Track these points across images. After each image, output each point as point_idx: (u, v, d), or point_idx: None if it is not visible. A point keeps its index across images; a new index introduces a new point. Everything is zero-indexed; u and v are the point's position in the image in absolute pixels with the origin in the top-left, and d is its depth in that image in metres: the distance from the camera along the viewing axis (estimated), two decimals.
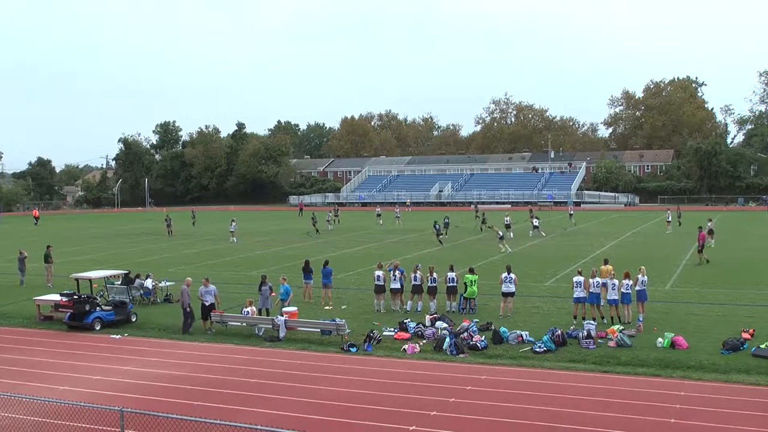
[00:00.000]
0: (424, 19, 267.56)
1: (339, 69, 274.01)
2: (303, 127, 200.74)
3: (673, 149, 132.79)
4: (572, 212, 75.69)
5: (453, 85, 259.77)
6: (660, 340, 22.58)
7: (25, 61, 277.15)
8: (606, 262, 29.32)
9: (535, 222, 58.86)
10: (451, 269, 29.05)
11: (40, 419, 16.50)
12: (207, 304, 26.82)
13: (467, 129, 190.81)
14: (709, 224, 48.07)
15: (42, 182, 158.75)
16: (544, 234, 58.02)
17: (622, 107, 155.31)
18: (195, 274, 31.89)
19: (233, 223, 60.17)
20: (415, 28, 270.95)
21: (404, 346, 23.22)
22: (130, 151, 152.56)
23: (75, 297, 28.28)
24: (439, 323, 25.09)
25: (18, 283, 37.95)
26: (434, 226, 55.39)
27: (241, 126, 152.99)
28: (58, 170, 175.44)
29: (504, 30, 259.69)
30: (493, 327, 24.54)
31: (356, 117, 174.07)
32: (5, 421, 15.96)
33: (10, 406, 16.36)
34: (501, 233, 49.69)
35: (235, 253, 50.63)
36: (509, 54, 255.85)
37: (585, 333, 23.10)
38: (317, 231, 64.19)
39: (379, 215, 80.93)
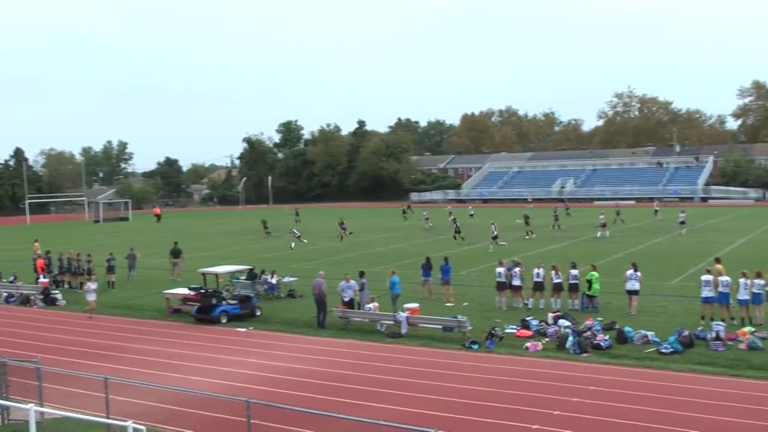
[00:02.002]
0: (544, 13, 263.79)
1: (459, 65, 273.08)
2: (423, 124, 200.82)
3: None
4: (657, 208, 73.69)
5: (574, 79, 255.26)
6: None
7: (151, 65, 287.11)
8: (718, 261, 28.34)
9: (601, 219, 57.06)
10: (574, 266, 28.57)
11: (171, 407, 17.09)
12: (346, 299, 27.27)
13: (589, 123, 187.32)
14: None
15: (170, 181, 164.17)
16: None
17: (752, 98, 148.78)
18: (317, 270, 32.34)
19: (341, 225, 60.83)
20: (535, 22, 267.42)
21: (526, 344, 23.03)
22: (253, 150, 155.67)
23: (202, 291, 29.19)
24: (561, 321, 24.74)
25: (170, 277, 39.51)
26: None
27: (361, 124, 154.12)
28: (185, 169, 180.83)
29: (626, 21, 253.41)
30: (617, 326, 24.03)
31: (476, 113, 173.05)
32: (139, 407, 16.59)
33: (143, 394, 17.02)
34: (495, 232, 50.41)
35: (356, 249, 51.12)
36: (632, 45, 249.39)
37: (714, 334, 22.34)
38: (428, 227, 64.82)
39: (450, 213, 79.21)
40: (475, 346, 23.19)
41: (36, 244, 48.75)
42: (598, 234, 54.33)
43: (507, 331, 24.57)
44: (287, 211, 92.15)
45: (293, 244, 53.86)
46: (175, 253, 40.52)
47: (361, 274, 29.25)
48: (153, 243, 59.78)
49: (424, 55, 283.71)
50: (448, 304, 29.62)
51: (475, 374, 20.19)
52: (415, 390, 18.85)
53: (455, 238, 53.89)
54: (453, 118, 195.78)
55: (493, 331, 23.90)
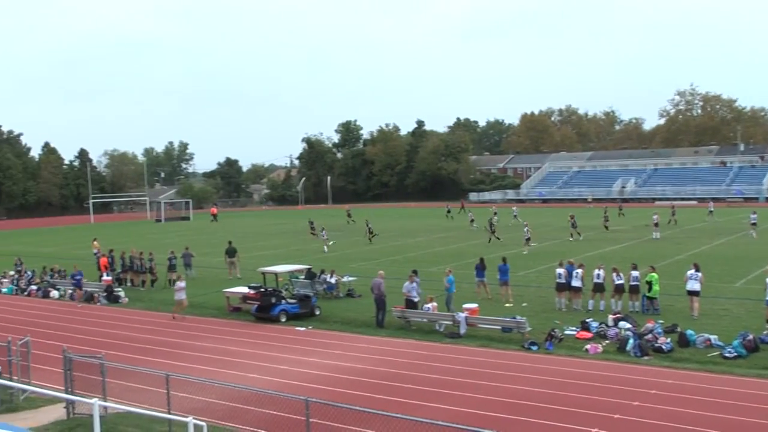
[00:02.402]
0: (604, 10, 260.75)
1: (518, 64, 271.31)
2: (482, 123, 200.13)
3: None
4: (712, 209, 71.75)
5: (635, 77, 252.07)
6: None
7: (212, 67, 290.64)
8: None
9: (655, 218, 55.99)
10: (634, 268, 28.19)
11: (231, 404, 17.27)
12: (416, 300, 27.32)
13: (650, 122, 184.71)
14: None
15: (230, 181, 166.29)
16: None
17: None
18: (376, 269, 32.43)
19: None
20: (594, 19, 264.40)
21: (586, 346, 22.80)
22: (312, 150, 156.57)
23: (262, 290, 29.46)
24: (622, 323, 24.44)
25: (228, 277, 40.01)
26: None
27: (420, 123, 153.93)
28: (244, 169, 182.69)
29: (689, 16, 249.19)
30: (679, 329, 23.64)
31: (536, 112, 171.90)
32: (200, 404, 16.79)
33: (204, 391, 17.22)
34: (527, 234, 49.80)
35: (416, 249, 51.07)
36: (695, 42, 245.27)
37: None
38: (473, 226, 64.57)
39: (495, 213, 78.41)
40: (534, 348, 23.03)
41: (95, 242, 49.89)
42: (654, 235, 53.54)
43: (567, 332, 24.35)
44: (351, 210, 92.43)
45: (326, 248, 53.43)
46: (231, 253, 41.20)
47: (414, 274, 29.27)
48: (212, 242, 60.46)
49: (483, 55, 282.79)
50: (506, 305, 29.46)
51: (533, 375, 20.05)
52: (473, 390, 18.79)
53: (490, 240, 53.51)
54: (512, 118, 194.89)
55: (553, 333, 23.72)
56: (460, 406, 17.53)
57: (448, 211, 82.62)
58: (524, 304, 29.61)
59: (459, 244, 53.88)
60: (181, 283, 30.68)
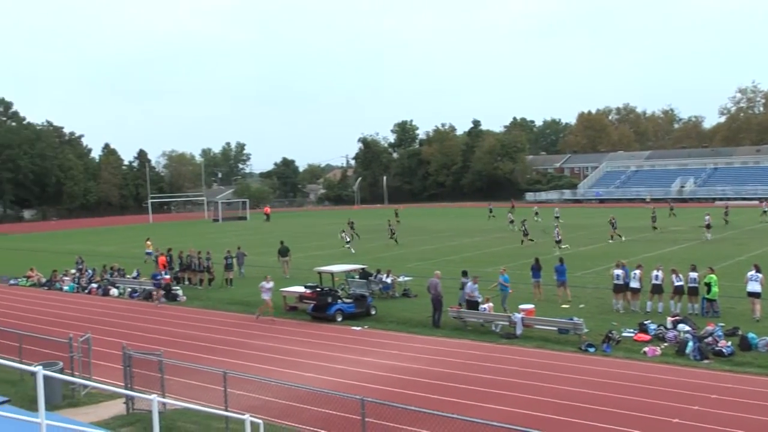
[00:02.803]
0: (662, 7, 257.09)
1: (574, 62, 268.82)
2: (538, 123, 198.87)
3: None
4: (766, 209, 69.14)
5: (694, 74, 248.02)
6: None
7: (268, 69, 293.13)
8: None
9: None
10: (693, 269, 27.74)
11: (286, 402, 17.38)
12: (480, 301, 27.29)
13: (710, 120, 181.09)
14: None
15: (286, 181, 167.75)
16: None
17: None
18: (432, 269, 32.40)
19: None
20: (653, 16, 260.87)
21: (644, 349, 22.49)
22: (368, 150, 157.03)
23: (318, 289, 29.62)
24: (681, 326, 24.08)
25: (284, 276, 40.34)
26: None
27: (476, 123, 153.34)
28: (301, 169, 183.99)
29: (749, 12, 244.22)
30: (740, 332, 23.22)
31: (593, 111, 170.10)
32: (256, 402, 16.93)
33: (261, 389, 17.38)
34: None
35: (473, 249, 50.87)
36: (756, 38, 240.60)
37: None
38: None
39: (537, 214, 76.87)
40: (591, 349, 22.80)
41: (148, 242, 50.78)
42: (706, 236, 52.38)
43: (624, 334, 24.06)
44: (402, 211, 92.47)
45: (348, 246, 53.46)
46: (283, 252, 41.88)
47: (464, 274, 29.22)
48: (268, 242, 60.88)
49: (540, 53, 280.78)
50: (563, 306, 29.22)
51: (590, 378, 19.86)
52: (528, 392, 18.67)
53: (522, 242, 52.71)
54: (569, 117, 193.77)
55: (610, 334, 23.45)
56: (514, 407, 17.45)
57: (491, 211, 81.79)
58: (581, 306, 29.33)
59: (515, 244, 53.45)
60: (268, 284, 29.97)
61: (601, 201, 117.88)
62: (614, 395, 18.15)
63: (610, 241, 52.86)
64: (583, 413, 16.89)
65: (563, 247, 48.21)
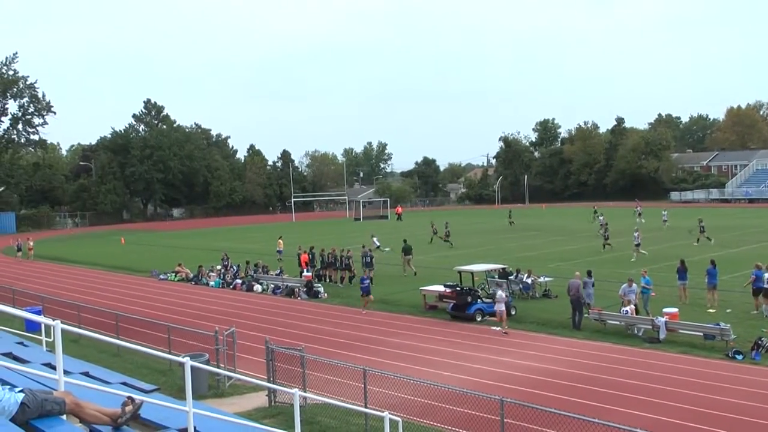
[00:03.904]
0: None
1: (723, 54, 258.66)
2: (685, 119, 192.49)
3: None
4: None
5: None
6: None
7: (409, 68, 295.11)
8: None
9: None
10: None
11: (425, 401, 17.44)
12: (634, 305, 26.69)
13: None
14: None
15: (427, 180, 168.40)
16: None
17: None
18: (573, 270, 31.76)
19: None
20: None
21: None
22: (509, 149, 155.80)
23: (458, 289, 29.57)
24: None
25: (403, 273, 40.78)
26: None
27: (620, 120, 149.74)
28: (441, 169, 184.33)
29: None
30: None
31: (743, 106, 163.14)
32: (395, 399, 17.05)
33: (399, 387, 17.48)
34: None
35: (615, 250, 49.55)
36: None
37: None
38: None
39: (597, 213, 73.55)
40: (740, 357, 21.87)
41: (280, 240, 52.17)
42: None
43: None
44: (543, 210, 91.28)
45: (381, 246, 53.42)
46: (407, 250, 42.23)
47: (589, 274, 28.58)
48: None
49: (686, 45, 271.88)
50: (710, 310, 28.13)
51: (737, 387, 19.05)
52: (671, 399, 18.07)
53: (604, 246, 50.33)
54: (717, 112, 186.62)
55: (760, 342, 22.40)
56: (654, 413, 16.94)
57: (595, 212, 78.44)
58: (728, 310, 28.15)
59: (661, 245, 51.72)
60: (503, 293, 27.46)
61: (751, 201, 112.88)
62: (763, 406, 17.33)
63: (695, 245, 50.03)
64: (729, 424, 16.23)
65: (643, 252, 45.69)
